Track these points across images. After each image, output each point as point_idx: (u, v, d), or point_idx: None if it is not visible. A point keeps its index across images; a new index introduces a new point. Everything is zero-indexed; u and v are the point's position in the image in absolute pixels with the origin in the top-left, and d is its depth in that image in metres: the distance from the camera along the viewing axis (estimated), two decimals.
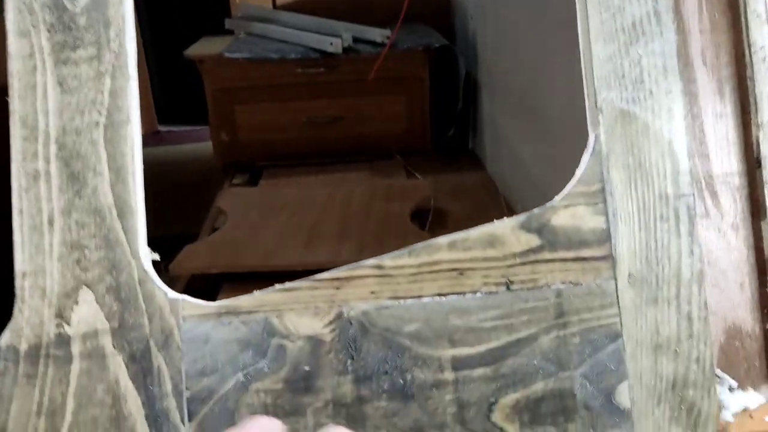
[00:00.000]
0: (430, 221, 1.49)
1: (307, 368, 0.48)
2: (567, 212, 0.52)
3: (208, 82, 1.86)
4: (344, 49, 1.79)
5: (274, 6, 2.26)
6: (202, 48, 1.92)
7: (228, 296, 0.47)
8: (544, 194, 1.22)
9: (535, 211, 0.52)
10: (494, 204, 1.63)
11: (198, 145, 2.77)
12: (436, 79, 1.96)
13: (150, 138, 2.92)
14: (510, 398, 0.50)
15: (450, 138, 2.05)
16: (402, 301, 0.50)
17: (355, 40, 1.84)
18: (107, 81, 0.48)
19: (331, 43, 1.76)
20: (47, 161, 0.47)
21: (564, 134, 1.12)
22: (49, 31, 0.48)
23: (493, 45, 1.73)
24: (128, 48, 0.49)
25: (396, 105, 1.93)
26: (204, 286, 1.23)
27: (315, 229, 1.32)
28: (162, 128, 3.10)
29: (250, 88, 1.87)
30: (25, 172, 0.47)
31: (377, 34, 1.83)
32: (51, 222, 0.47)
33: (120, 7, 0.49)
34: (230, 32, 2.13)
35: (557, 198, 0.52)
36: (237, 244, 1.27)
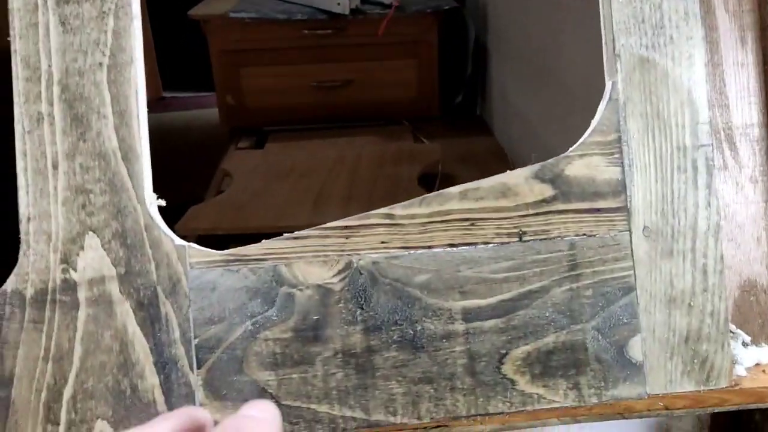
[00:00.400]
0: (438, 186, 1.48)
1: (316, 317, 0.48)
2: (582, 162, 0.51)
3: (213, 43, 1.83)
4: (352, 11, 1.75)
5: None
6: (207, 8, 1.89)
7: None
8: (551, 154, 1.19)
9: (549, 160, 0.51)
10: (501, 169, 1.61)
11: (203, 111, 2.75)
12: (445, 43, 1.92)
13: (155, 104, 2.90)
14: (521, 350, 0.49)
15: (458, 103, 2.02)
16: (412, 251, 0.49)
17: (363, 1, 1.80)
18: (110, 20, 0.47)
19: (339, 3, 1.72)
20: (50, 103, 0.46)
21: (577, 97, 1.10)
22: None
23: (503, 7, 1.69)
24: None
25: (405, 69, 1.90)
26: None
27: (323, 192, 1.31)
28: (167, 94, 3.07)
29: (255, 50, 1.84)
30: (28, 115, 0.46)
31: None
32: (55, 165, 0.46)
33: None
34: None
35: (572, 147, 0.51)
36: (243, 206, 1.26)
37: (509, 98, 1.68)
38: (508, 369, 0.49)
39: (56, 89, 0.46)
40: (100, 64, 0.46)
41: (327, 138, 1.80)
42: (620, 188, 0.50)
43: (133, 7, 0.47)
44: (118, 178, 0.46)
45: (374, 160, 1.51)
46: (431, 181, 1.49)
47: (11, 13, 0.46)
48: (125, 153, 0.46)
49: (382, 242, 0.49)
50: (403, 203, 0.50)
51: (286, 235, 0.49)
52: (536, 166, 0.50)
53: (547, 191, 0.50)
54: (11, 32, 0.46)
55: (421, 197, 0.50)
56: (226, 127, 1.94)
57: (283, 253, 0.48)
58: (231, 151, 1.76)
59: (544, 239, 0.50)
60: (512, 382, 0.49)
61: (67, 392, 0.45)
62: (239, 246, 0.49)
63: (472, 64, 1.99)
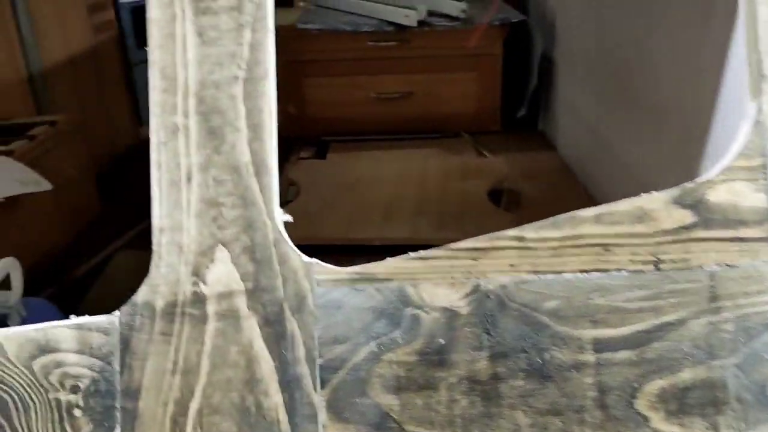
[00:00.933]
0: (505, 202, 1.45)
1: (441, 341, 0.46)
2: (724, 188, 0.48)
3: (279, 53, 1.84)
4: (418, 23, 1.75)
5: None
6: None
7: None
8: (635, 180, 1.15)
9: (689, 185, 0.48)
10: (568, 186, 1.58)
11: None
12: (509, 55, 1.90)
13: None
14: (655, 385, 0.46)
15: (519, 117, 1.99)
16: (542, 276, 0.47)
17: (430, 13, 1.80)
18: (247, 33, 0.46)
19: (406, 16, 1.72)
20: (186, 115, 0.46)
21: (666, 118, 1.06)
22: None
23: (576, 21, 1.66)
24: None
25: (467, 82, 1.88)
26: None
27: (391, 205, 1.30)
28: None
29: (319, 60, 1.85)
30: (164, 126, 0.46)
31: (453, 7, 1.78)
32: (189, 178, 0.46)
33: None
34: (290, 4, 2.11)
35: (714, 171, 0.48)
36: (313, 217, 1.26)
37: (579, 114, 1.64)
38: (641, 404, 0.46)
39: (192, 101, 0.46)
40: (236, 77, 0.46)
41: (388, 150, 1.79)
42: (766, 216, 0.47)
43: (269, 20, 0.47)
44: (249, 192, 0.46)
45: (440, 174, 1.49)
46: (497, 197, 1.47)
47: (149, 23, 0.46)
48: (257, 167, 0.46)
49: (511, 265, 0.47)
50: (533, 225, 0.48)
51: (411, 254, 0.48)
52: (675, 191, 0.48)
53: (687, 218, 0.48)
54: (149, 42, 0.46)
55: (551, 219, 0.48)
56: (285, 135, 1.95)
57: (410, 273, 0.47)
58: (293, 160, 1.76)
59: (683, 268, 0.47)
60: (645, 418, 0.46)
61: (194, 406, 0.44)
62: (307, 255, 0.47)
63: (537, 74, 1.96)
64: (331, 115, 1.90)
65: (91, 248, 1.83)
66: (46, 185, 1.64)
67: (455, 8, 1.77)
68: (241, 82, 0.46)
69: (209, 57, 0.46)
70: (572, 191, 1.52)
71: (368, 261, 1.28)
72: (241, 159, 0.46)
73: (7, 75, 1.98)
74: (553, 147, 1.87)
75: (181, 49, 0.46)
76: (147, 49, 0.46)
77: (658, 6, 1.10)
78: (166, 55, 0.46)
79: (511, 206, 1.44)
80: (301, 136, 1.93)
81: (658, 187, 1.14)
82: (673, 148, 1.04)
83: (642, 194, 0.49)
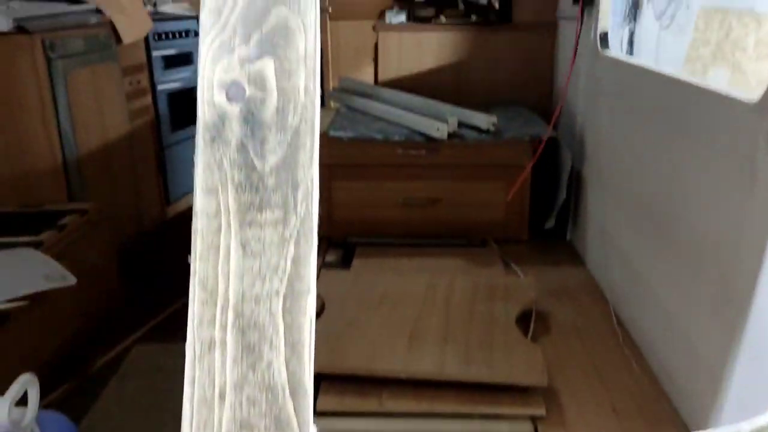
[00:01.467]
0: (533, 324, 1.42)
1: None
2: None
3: None
4: (449, 134, 1.77)
5: (376, 82, 2.29)
6: None
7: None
8: (665, 313, 1.11)
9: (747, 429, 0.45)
10: (598, 309, 1.54)
11: None
12: (538, 167, 1.91)
13: None
14: None
15: (548, 228, 1.98)
16: None
17: (460, 124, 1.83)
18: (291, 248, 0.46)
19: (438, 129, 1.75)
20: (224, 329, 0.45)
21: (706, 266, 1.04)
22: (237, 189, 0.46)
23: (607, 145, 1.67)
24: (314, 212, 0.46)
25: (495, 191, 1.89)
26: None
27: (417, 328, 1.27)
28: None
29: (349, 165, 1.88)
30: (201, 340, 0.44)
31: (483, 120, 1.81)
32: (222, 396, 0.44)
33: (309, 169, 0.47)
34: (322, 104, 2.17)
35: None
36: (336, 341, 1.23)
37: (609, 235, 1.62)
38: None
39: (231, 315, 0.45)
40: (277, 291, 0.45)
41: (414, 258, 1.78)
42: None
43: (313, 234, 0.46)
44: (284, 414, 0.44)
45: (467, 294, 1.46)
46: (526, 317, 1.43)
47: (194, 233, 0.46)
48: (294, 388, 0.44)
49: None
50: None
51: None
52: None
53: None
54: (192, 252, 0.46)
55: None
56: None
57: None
58: (318, 264, 1.76)
59: None
60: None
61: None
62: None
63: (566, 188, 1.96)
64: (359, 218, 1.91)
65: (110, 338, 1.81)
66: (71, 280, 1.64)
67: (485, 121, 1.80)
68: (282, 297, 0.45)
69: (251, 270, 0.45)
70: (601, 316, 1.48)
71: (394, 393, 1.22)
72: (277, 379, 0.44)
73: (43, 163, 2.04)
74: (582, 260, 1.84)
75: (223, 261, 0.46)
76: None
77: (697, 159, 1.10)
78: (207, 267, 0.45)
79: (540, 333, 1.40)
80: (328, 237, 1.94)
81: (692, 333, 1.08)
82: (710, 296, 1.00)
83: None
